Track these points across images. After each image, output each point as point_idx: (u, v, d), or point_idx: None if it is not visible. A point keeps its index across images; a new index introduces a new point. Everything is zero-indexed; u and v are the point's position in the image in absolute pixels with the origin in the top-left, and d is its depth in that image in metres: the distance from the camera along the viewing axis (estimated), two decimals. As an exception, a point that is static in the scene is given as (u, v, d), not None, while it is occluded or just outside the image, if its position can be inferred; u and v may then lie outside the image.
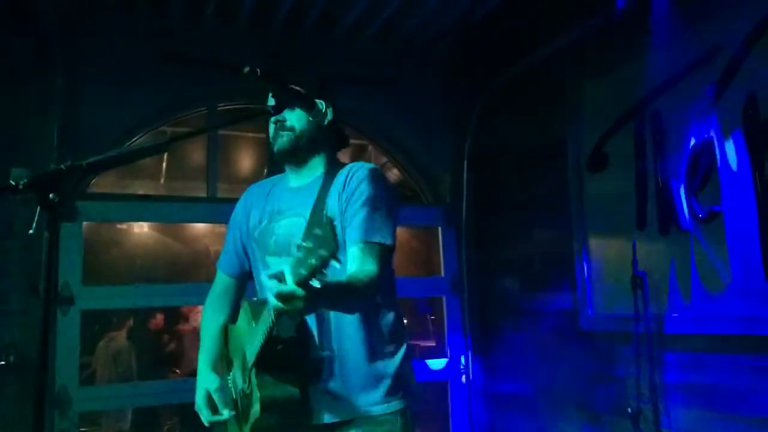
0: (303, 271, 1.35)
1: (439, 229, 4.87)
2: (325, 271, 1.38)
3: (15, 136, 3.63)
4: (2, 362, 3.33)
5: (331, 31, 4.39)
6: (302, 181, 2.03)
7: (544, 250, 4.12)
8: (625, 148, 3.45)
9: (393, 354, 1.89)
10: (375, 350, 1.85)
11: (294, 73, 1.84)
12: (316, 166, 2.02)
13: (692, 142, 3.07)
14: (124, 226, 7.57)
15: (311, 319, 1.82)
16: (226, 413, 1.88)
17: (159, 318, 6.77)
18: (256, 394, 1.70)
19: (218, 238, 8.46)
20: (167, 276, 7.34)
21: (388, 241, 1.81)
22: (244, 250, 2.14)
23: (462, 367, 4.73)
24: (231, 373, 1.99)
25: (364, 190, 1.86)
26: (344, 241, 1.82)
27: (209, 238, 8.26)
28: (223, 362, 2.07)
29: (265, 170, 4.69)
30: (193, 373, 6.15)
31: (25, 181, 1.14)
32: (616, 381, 3.44)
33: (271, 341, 1.66)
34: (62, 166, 1.19)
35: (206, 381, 1.96)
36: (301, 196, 1.96)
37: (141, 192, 6.59)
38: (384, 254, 1.80)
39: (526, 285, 4.28)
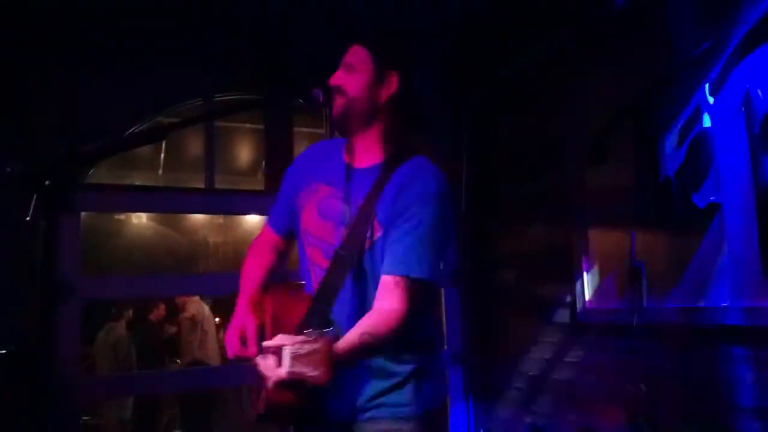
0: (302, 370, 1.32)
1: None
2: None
3: (13, 128, 3.63)
4: (2, 351, 3.33)
5: (334, 22, 4.38)
6: (357, 160, 1.81)
7: (542, 243, 4.12)
8: (625, 142, 3.45)
9: (421, 359, 1.78)
10: (404, 355, 1.75)
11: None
12: (374, 146, 1.79)
13: (691, 135, 3.07)
14: (122, 216, 7.60)
15: (340, 315, 1.70)
16: (253, 350, 1.74)
17: (161, 308, 6.79)
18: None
19: (217, 228, 8.51)
20: (166, 266, 7.36)
21: (424, 275, 1.64)
22: (292, 210, 1.94)
23: (460, 358, 4.74)
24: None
25: (421, 209, 1.66)
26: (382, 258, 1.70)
27: (207, 228, 8.29)
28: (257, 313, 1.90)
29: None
30: (193, 363, 6.22)
31: (21, 167, 1.14)
32: (612, 372, 3.46)
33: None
34: (58, 153, 1.19)
35: (242, 316, 1.80)
36: (355, 178, 1.78)
37: (139, 183, 6.60)
38: (417, 286, 1.64)
39: (524, 278, 4.29)
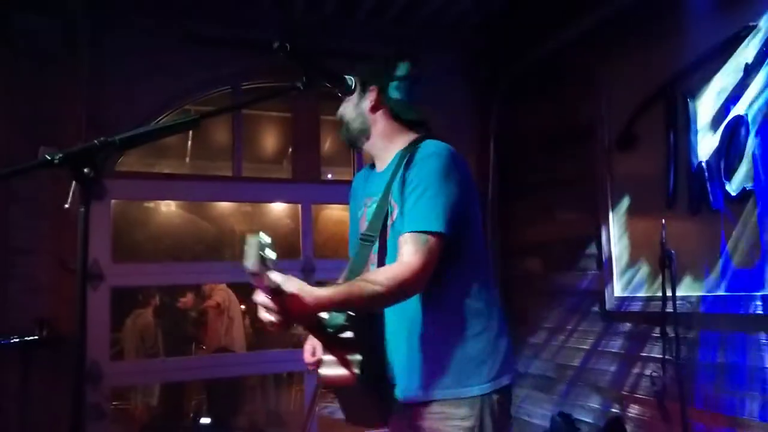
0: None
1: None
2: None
3: (43, 118, 3.68)
4: (35, 336, 3.40)
5: (353, 12, 4.37)
6: (380, 165, 1.99)
7: (569, 230, 4.09)
8: (656, 127, 3.40)
9: (470, 338, 1.79)
10: (454, 332, 1.78)
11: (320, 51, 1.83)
12: (389, 150, 1.95)
13: (724, 121, 3.01)
14: (151, 204, 7.68)
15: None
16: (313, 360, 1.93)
17: (188, 296, 6.87)
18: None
19: (243, 216, 8.56)
20: (193, 254, 7.43)
21: (435, 227, 1.66)
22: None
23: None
24: None
25: (415, 175, 1.75)
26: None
27: (235, 216, 8.34)
28: None
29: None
30: (219, 350, 6.27)
31: (61, 155, 1.15)
32: (641, 361, 3.43)
33: (321, 325, 1.69)
34: (95, 141, 1.20)
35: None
36: (381, 181, 1.92)
37: (167, 171, 6.66)
38: (432, 242, 1.65)
39: (551, 266, 4.27)
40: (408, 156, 1.82)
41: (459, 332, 1.79)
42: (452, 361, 1.77)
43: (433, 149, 1.79)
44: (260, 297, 1.44)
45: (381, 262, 1.82)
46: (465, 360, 1.77)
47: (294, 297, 1.44)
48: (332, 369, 1.73)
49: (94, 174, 1.19)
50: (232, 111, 4.43)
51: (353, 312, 1.67)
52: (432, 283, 1.70)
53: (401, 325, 1.81)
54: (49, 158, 1.14)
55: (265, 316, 1.46)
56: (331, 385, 1.77)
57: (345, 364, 1.70)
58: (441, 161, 1.75)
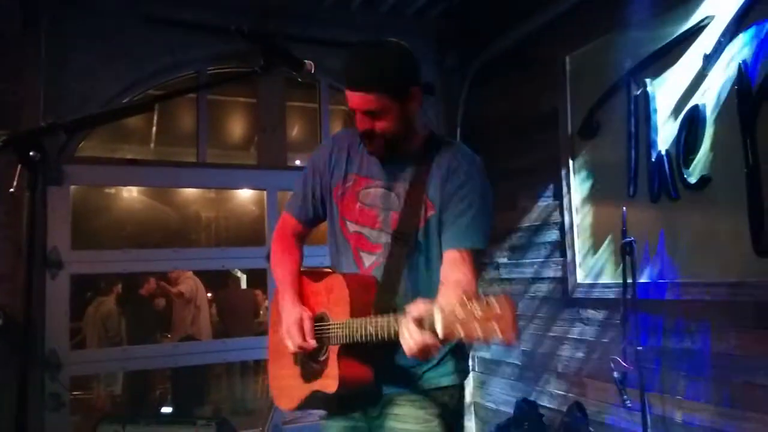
0: (460, 334, 1.31)
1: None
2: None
3: (2, 101, 3.57)
4: (-9, 325, 3.32)
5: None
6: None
7: (534, 218, 4.12)
8: (617, 116, 3.44)
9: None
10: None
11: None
12: (408, 140, 1.87)
13: (683, 110, 3.06)
14: (112, 190, 7.54)
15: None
16: (313, 343, 1.82)
17: (151, 283, 6.77)
18: (335, 372, 1.74)
19: (208, 203, 8.48)
20: (157, 241, 7.32)
21: (484, 245, 1.80)
22: (321, 200, 2.02)
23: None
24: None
25: (471, 189, 1.80)
26: (439, 234, 1.80)
27: (199, 203, 8.24)
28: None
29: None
30: (185, 339, 6.17)
31: (4, 138, 1.11)
32: (603, 347, 3.49)
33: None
34: (42, 123, 1.16)
35: (297, 311, 1.87)
36: (393, 168, 1.86)
37: (130, 156, 6.54)
38: (479, 255, 1.80)
39: (515, 253, 4.30)
40: (448, 158, 1.83)
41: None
42: (439, 354, 1.82)
43: (477, 162, 1.87)
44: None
45: (415, 262, 1.82)
46: (447, 350, 1.84)
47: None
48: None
49: (41, 157, 1.16)
50: (189, 94, 4.34)
51: None
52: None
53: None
54: (-6, 140, 1.10)
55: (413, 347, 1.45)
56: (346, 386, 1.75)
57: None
58: (484, 176, 1.86)
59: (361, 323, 1.66)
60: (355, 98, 1.73)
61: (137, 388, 6.59)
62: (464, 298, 1.32)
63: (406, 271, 1.81)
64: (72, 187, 3.90)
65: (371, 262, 1.86)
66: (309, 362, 1.88)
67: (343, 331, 1.72)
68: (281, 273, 2.02)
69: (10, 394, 3.24)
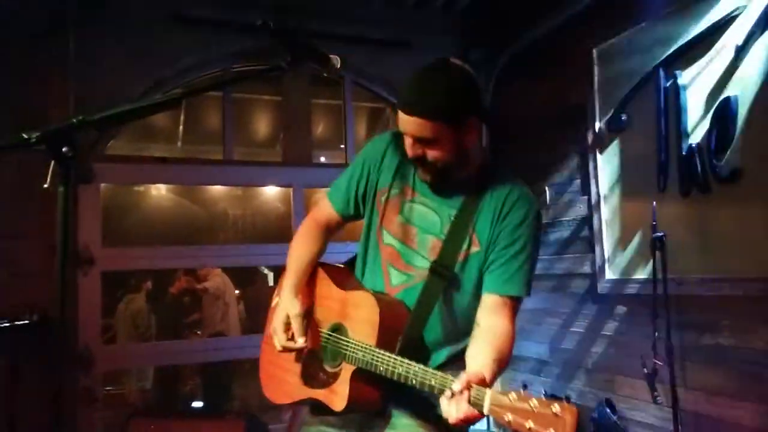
0: (508, 418, 1.28)
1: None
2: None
3: (31, 101, 3.64)
4: (26, 321, 3.38)
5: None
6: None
7: (562, 213, 4.08)
8: (646, 109, 3.39)
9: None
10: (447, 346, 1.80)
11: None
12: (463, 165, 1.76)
13: (715, 102, 3.00)
14: (141, 188, 7.64)
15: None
16: (300, 341, 1.76)
17: (181, 280, 6.85)
18: (344, 392, 1.67)
19: (236, 200, 8.54)
20: (185, 238, 7.41)
21: (527, 294, 1.73)
22: (363, 197, 1.92)
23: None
24: (325, 330, 1.86)
25: (524, 233, 1.72)
26: (481, 270, 1.74)
27: (226, 201, 8.31)
28: (305, 296, 1.92)
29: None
30: (215, 334, 6.24)
31: (38, 134, 1.13)
32: (633, 343, 3.44)
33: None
34: (73, 120, 1.18)
35: (289, 305, 1.81)
36: (444, 191, 1.78)
37: (158, 155, 6.62)
38: (519, 307, 1.75)
39: (543, 249, 4.26)
40: (502, 195, 1.74)
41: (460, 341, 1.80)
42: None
43: (534, 208, 1.76)
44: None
45: (449, 297, 1.76)
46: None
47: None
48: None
49: (73, 153, 1.17)
50: (214, 90, 4.39)
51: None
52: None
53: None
54: (25, 137, 1.12)
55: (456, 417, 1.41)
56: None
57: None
58: (539, 223, 1.78)
59: (389, 360, 1.59)
60: (408, 123, 1.63)
61: (167, 384, 6.67)
62: (521, 391, 1.32)
63: (439, 306, 1.74)
64: (102, 185, 3.96)
65: (400, 282, 1.79)
66: (314, 366, 1.81)
67: (364, 356, 1.64)
68: (294, 256, 1.93)
69: (44, 388, 3.32)
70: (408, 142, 1.68)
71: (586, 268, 3.84)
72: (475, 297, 1.75)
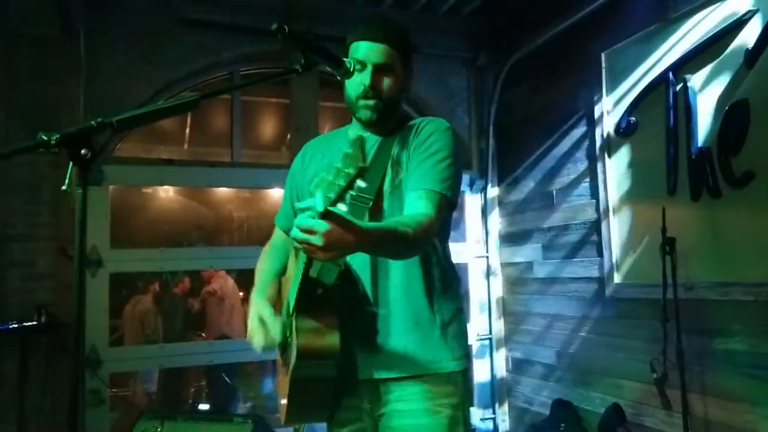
0: (331, 195, 1.24)
1: (465, 196, 4.85)
2: (354, 193, 1.26)
3: (42, 104, 3.65)
4: (34, 322, 3.39)
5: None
6: (371, 133, 1.87)
7: (571, 217, 4.07)
8: (656, 113, 3.38)
9: (452, 312, 1.81)
10: (434, 307, 1.76)
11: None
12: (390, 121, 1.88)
13: (726, 106, 3.00)
14: (149, 190, 7.65)
15: (364, 271, 1.73)
16: (278, 339, 1.75)
17: (185, 281, 6.86)
18: (294, 342, 1.60)
19: (242, 202, 8.54)
20: (192, 240, 7.42)
21: (449, 194, 1.72)
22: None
23: (488, 335, 4.74)
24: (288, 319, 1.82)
25: (433, 141, 1.77)
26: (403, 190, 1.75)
27: (233, 203, 8.32)
28: (277, 309, 1.91)
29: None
30: (220, 337, 6.23)
31: (58, 136, 1.13)
32: (642, 348, 3.43)
33: (309, 284, 1.56)
34: (92, 122, 1.18)
35: (260, 308, 1.82)
36: (368, 145, 1.83)
37: (165, 156, 6.63)
38: (444, 205, 1.70)
39: (552, 253, 4.25)
40: (416, 126, 1.82)
41: (446, 304, 1.79)
42: (438, 334, 1.76)
43: (445, 124, 1.84)
44: (306, 218, 1.30)
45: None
46: (450, 333, 1.78)
47: (342, 220, 1.30)
48: (311, 339, 1.60)
49: (92, 155, 1.17)
50: (229, 92, 4.39)
51: (383, 252, 1.61)
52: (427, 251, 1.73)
53: (394, 292, 1.74)
54: (45, 138, 1.12)
55: (304, 236, 1.31)
56: (308, 358, 1.60)
57: (322, 334, 1.60)
58: (454, 136, 1.83)
59: (296, 273, 1.61)
60: (371, 51, 1.76)
61: (173, 386, 6.67)
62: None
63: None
64: (110, 186, 3.97)
65: None
66: (286, 352, 1.77)
67: (291, 293, 1.63)
68: (257, 273, 2.01)
69: (55, 389, 3.32)
70: (365, 73, 1.76)
71: (595, 273, 3.83)
72: None
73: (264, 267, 2.04)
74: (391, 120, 1.85)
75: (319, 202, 1.26)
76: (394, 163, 1.78)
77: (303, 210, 1.31)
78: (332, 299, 1.64)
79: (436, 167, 1.72)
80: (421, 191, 1.69)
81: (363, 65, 1.77)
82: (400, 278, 1.75)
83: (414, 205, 1.67)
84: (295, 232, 1.32)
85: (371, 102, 1.78)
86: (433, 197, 1.68)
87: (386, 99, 1.79)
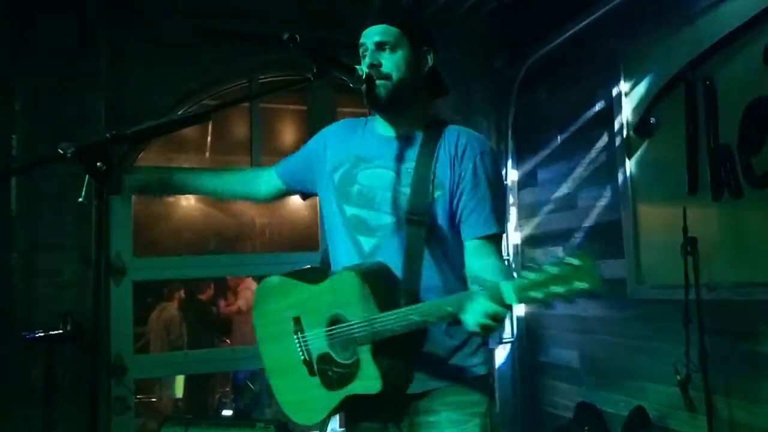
0: (538, 295, 1.33)
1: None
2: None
3: (63, 116, 3.72)
4: (60, 330, 3.44)
5: (367, 1, 4.34)
6: (395, 131, 1.84)
7: (590, 219, 4.05)
8: (675, 112, 3.35)
9: None
10: None
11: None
12: (413, 118, 1.83)
13: (746, 103, 2.96)
14: (171, 198, 7.74)
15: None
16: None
17: (210, 288, 6.93)
18: (374, 371, 1.61)
19: (263, 209, 8.60)
20: (214, 247, 7.49)
21: (504, 227, 1.79)
22: (304, 173, 2.02)
23: (511, 337, 4.72)
24: (301, 334, 1.82)
25: (485, 170, 1.75)
26: (449, 213, 1.75)
27: (255, 210, 8.38)
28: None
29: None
30: (244, 343, 6.28)
31: (73, 149, 1.16)
32: (665, 350, 3.39)
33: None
34: (107, 135, 1.21)
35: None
36: (394, 148, 1.81)
37: (186, 165, 6.71)
38: (501, 239, 1.80)
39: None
40: (454, 139, 1.79)
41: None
42: (460, 342, 1.76)
43: (487, 144, 1.84)
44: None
45: (428, 240, 1.74)
46: (472, 340, 1.77)
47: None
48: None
49: (107, 167, 1.20)
50: (242, 103, 4.43)
51: None
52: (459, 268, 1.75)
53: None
54: (61, 152, 1.15)
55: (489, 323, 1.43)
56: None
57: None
58: (494, 157, 1.82)
59: (398, 315, 1.56)
60: (369, 33, 1.77)
61: (198, 393, 6.73)
62: (534, 267, 1.33)
63: (427, 254, 1.72)
64: (133, 195, 4.03)
65: (371, 246, 1.77)
66: (330, 368, 1.75)
67: (374, 327, 1.59)
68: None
69: (81, 397, 3.36)
70: (367, 55, 1.76)
71: (617, 274, 3.79)
72: (453, 240, 1.77)
73: (224, 174, 2.14)
74: (409, 105, 1.80)
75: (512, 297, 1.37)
76: (433, 179, 1.75)
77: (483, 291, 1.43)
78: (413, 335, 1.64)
79: (493, 208, 1.75)
80: (486, 240, 1.73)
81: (365, 48, 1.79)
82: (434, 282, 1.74)
83: (483, 255, 1.72)
84: (484, 320, 1.41)
85: (379, 81, 1.74)
86: (497, 242, 1.76)
87: (393, 75, 1.74)
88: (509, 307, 1.40)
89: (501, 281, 1.39)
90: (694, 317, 3.04)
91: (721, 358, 3.05)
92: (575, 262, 1.30)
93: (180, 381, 6.84)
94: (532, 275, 1.34)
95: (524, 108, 4.70)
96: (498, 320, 1.41)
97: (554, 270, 1.31)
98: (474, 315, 1.42)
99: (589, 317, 4.02)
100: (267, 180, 2.10)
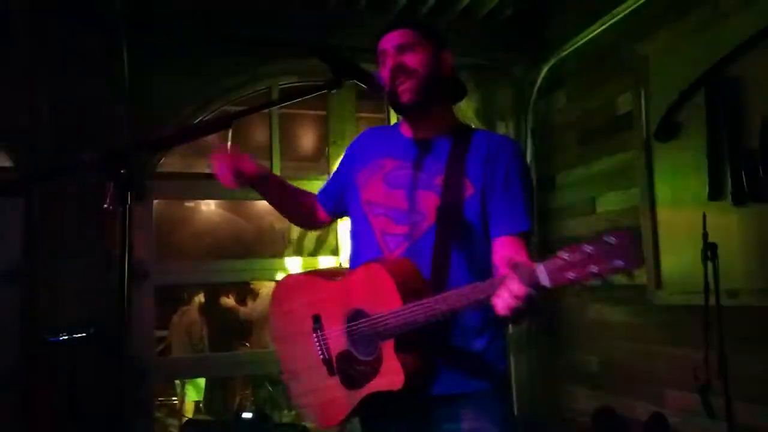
0: (573, 276, 1.29)
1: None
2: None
3: (88, 125, 3.78)
4: (84, 334, 3.50)
5: (388, 6, 4.37)
6: (422, 133, 1.87)
7: (610, 224, 4.02)
8: (697, 116, 3.32)
9: (496, 324, 1.78)
10: (485, 322, 1.75)
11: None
12: (439, 120, 1.87)
13: (768, 107, 2.93)
14: (192, 204, 7.83)
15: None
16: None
17: (231, 294, 7.00)
18: (397, 366, 1.59)
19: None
20: (234, 252, 7.55)
21: (533, 224, 1.80)
22: (341, 192, 2.03)
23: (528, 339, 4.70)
24: (321, 332, 1.80)
25: (518, 170, 1.79)
26: (479, 213, 1.75)
27: (274, 215, 8.43)
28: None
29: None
30: (264, 346, 6.32)
31: (96, 157, 1.19)
32: (684, 355, 3.36)
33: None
34: (128, 144, 1.24)
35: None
36: (422, 149, 1.84)
37: (207, 171, 6.77)
38: (530, 236, 1.81)
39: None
40: (485, 140, 1.82)
41: (488, 317, 1.74)
42: (482, 346, 1.75)
43: (517, 145, 1.89)
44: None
45: (457, 239, 1.75)
46: (493, 345, 1.77)
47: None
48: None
49: (130, 174, 1.23)
50: (262, 110, 4.47)
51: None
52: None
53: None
54: (85, 160, 1.18)
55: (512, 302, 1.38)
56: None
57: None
58: (524, 158, 1.87)
59: (427, 306, 1.53)
60: (388, 39, 1.81)
61: (219, 395, 6.79)
62: (570, 246, 1.29)
63: (456, 252, 1.73)
64: (155, 201, 4.09)
65: (398, 244, 1.77)
66: (351, 366, 1.72)
67: (397, 320, 1.57)
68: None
69: (102, 399, 3.41)
70: (388, 61, 1.79)
71: (637, 279, 3.77)
72: (482, 240, 1.77)
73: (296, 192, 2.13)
74: (434, 105, 1.83)
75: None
76: (464, 178, 1.77)
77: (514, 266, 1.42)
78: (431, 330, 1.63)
79: (527, 204, 1.78)
80: (515, 237, 1.74)
81: (386, 54, 1.82)
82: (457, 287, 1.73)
83: (518, 252, 1.70)
84: (516, 302, 1.37)
85: (404, 82, 1.77)
86: (526, 240, 1.76)
87: (418, 75, 1.78)
88: (544, 290, 1.35)
89: (537, 265, 1.35)
90: (715, 323, 3.01)
91: (741, 364, 3.01)
92: (612, 240, 1.24)
93: (201, 384, 6.91)
94: (567, 255, 1.30)
95: (543, 113, 4.69)
96: (531, 303, 1.37)
97: (590, 249, 1.27)
98: (505, 297, 1.39)
99: (609, 322, 4.00)
100: (311, 204, 2.15)
